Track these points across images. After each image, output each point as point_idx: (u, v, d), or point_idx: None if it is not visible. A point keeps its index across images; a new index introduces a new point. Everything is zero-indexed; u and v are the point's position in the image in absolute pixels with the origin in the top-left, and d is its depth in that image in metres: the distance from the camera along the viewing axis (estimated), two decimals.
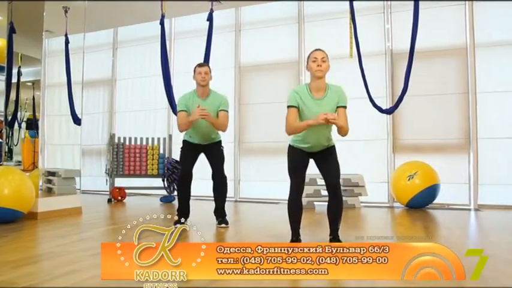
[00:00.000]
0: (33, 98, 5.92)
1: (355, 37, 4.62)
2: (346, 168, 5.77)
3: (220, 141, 4.03)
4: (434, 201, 5.25)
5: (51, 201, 4.61)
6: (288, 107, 2.84)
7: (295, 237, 2.88)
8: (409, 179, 5.11)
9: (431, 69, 5.62)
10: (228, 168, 6.44)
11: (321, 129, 2.84)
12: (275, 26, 6.50)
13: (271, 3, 6.40)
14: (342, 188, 5.48)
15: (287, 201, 2.92)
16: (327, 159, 2.92)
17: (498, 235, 3.53)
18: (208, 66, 3.88)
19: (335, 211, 2.91)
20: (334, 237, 2.91)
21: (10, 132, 6.00)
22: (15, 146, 5.99)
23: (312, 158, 2.97)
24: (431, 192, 5.10)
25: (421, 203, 5.16)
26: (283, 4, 6.39)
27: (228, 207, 5.58)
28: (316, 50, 2.88)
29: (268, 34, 6.54)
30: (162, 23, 5.36)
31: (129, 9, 6.56)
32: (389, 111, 4.67)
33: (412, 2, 4.69)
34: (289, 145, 2.99)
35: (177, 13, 6.77)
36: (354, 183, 5.45)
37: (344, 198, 5.42)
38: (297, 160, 2.92)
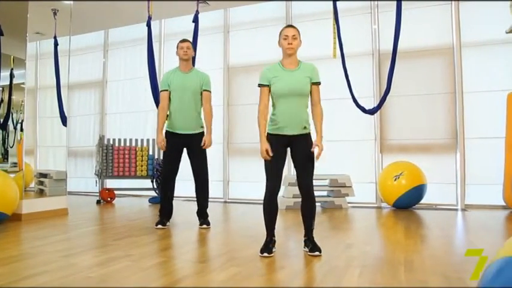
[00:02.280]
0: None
1: (338, 38, 4.61)
2: (334, 168, 5.80)
3: (203, 132, 3.99)
4: (422, 202, 5.26)
5: (36, 202, 4.64)
6: (259, 85, 2.89)
7: (270, 238, 2.88)
8: (395, 179, 5.11)
9: (418, 69, 5.63)
10: (217, 169, 6.51)
11: (295, 107, 2.82)
12: (263, 27, 6.52)
13: (259, 4, 6.41)
14: (329, 188, 5.52)
15: (262, 202, 2.91)
16: (302, 150, 2.86)
17: (479, 236, 3.54)
18: (191, 42, 4.04)
19: (308, 212, 2.91)
20: (309, 238, 2.91)
21: (6, 134, 6.03)
22: (11, 147, 6.02)
23: (289, 146, 2.91)
24: (417, 192, 5.10)
25: (407, 203, 5.17)
26: (271, 5, 6.40)
27: (217, 207, 5.62)
28: (287, 26, 2.92)
29: (256, 35, 6.55)
30: (148, 25, 5.37)
31: (119, 11, 6.59)
32: (372, 112, 4.67)
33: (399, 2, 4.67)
34: (267, 134, 2.91)
35: (166, 15, 6.79)
36: (341, 184, 5.45)
37: (331, 199, 5.48)
38: (274, 155, 2.83)
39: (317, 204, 5.43)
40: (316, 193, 5.50)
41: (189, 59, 3.96)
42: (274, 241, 2.91)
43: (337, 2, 4.77)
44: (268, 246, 2.82)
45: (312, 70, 2.90)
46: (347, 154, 5.90)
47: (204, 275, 2.34)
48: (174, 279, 2.25)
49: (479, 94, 5.33)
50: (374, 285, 2.15)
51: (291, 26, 2.93)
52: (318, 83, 2.90)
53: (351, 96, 4.66)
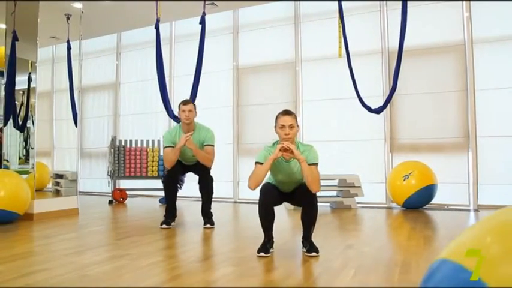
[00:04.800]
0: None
1: (343, 36, 4.57)
2: (343, 168, 5.76)
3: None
4: (433, 202, 5.15)
5: (47, 202, 4.77)
6: (256, 163, 2.83)
7: (267, 238, 2.88)
8: (404, 179, 5.02)
9: (428, 66, 5.52)
10: (227, 170, 6.55)
11: (292, 183, 2.90)
12: (272, 27, 6.52)
13: (267, 4, 6.41)
14: (338, 188, 5.48)
15: (258, 208, 2.88)
16: (302, 195, 2.86)
17: None
18: (193, 103, 3.97)
19: (308, 220, 2.87)
20: (306, 239, 2.89)
21: (27, 136, 6.23)
22: (32, 149, 6.22)
23: (287, 199, 3.00)
24: (427, 192, 5.00)
25: (417, 203, 5.07)
26: (279, 5, 6.39)
27: (226, 208, 5.66)
28: (284, 114, 2.81)
29: (265, 35, 6.56)
30: (157, 27, 5.45)
31: (129, 15, 6.70)
32: (377, 111, 4.60)
33: (408, 0, 4.60)
34: (266, 182, 2.96)
35: (175, 17, 6.88)
36: (350, 184, 5.40)
37: (340, 199, 5.44)
38: (270, 193, 2.87)
39: (326, 204, 5.47)
40: (324, 193, 5.56)
41: (191, 123, 3.87)
42: (272, 241, 2.91)
43: (344, 2, 4.73)
44: (265, 246, 2.82)
45: (308, 153, 2.79)
46: (357, 154, 5.84)
47: (196, 275, 2.36)
48: (165, 278, 2.28)
49: (492, 91, 5.18)
50: (365, 285, 2.13)
51: (287, 113, 2.82)
52: (315, 164, 2.78)
53: (356, 95, 4.61)
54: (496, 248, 0.94)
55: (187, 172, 4.21)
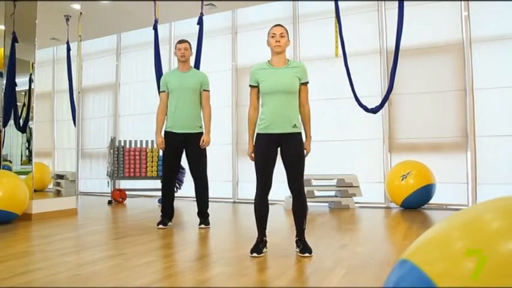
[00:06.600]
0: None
1: (340, 36, 4.57)
2: (342, 168, 5.75)
3: (201, 133, 4.03)
4: (432, 202, 5.14)
5: (46, 203, 4.79)
6: (249, 86, 2.94)
7: (260, 238, 2.89)
8: (402, 179, 5.01)
9: (427, 66, 5.50)
10: (226, 170, 6.55)
11: (283, 105, 2.79)
12: (270, 27, 6.51)
13: (266, 4, 6.41)
14: (336, 188, 5.48)
15: (253, 203, 2.93)
16: (293, 149, 2.82)
17: None
18: (189, 43, 4.08)
19: (300, 212, 2.89)
20: (300, 238, 2.90)
21: (30, 137, 6.27)
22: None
23: (279, 146, 2.86)
24: (425, 192, 4.99)
25: (415, 203, 5.06)
26: (278, 5, 6.40)
27: (225, 208, 5.67)
28: (275, 25, 2.95)
29: (264, 35, 6.54)
30: (155, 28, 5.48)
31: (129, 15, 6.73)
32: (374, 111, 4.59)
33: (405, 0, 4.59)
34: (257, 134, 2.90)
35: (174, 18, 6.90)
36: (348, 184, 5.39)
37: (338, 199, 5.44)
38: (263, 154, 2.83)
39: (324, 204, 5.47)
40: (323, 193, 5.54)
41: (186, 60, 4.03)
42: (265, 241, 2.92)
43: (341, 2, 4.73)
44: (258, 247, 2.83)
45: (301, 69, 2.88)
46: (355, 154, 5.82)
47: (187, 274, 2.37)
48: (156, 278, 2.29)
49: (491, 91, 5.16)
50: (354, 285, 2.13)
51: (279, 25, 2.96)
52: (306, 83, 2.90)
53: (353, 95, 4.60)
54: (460, 245, 0.94)
55: (182, 149, 4.03)
